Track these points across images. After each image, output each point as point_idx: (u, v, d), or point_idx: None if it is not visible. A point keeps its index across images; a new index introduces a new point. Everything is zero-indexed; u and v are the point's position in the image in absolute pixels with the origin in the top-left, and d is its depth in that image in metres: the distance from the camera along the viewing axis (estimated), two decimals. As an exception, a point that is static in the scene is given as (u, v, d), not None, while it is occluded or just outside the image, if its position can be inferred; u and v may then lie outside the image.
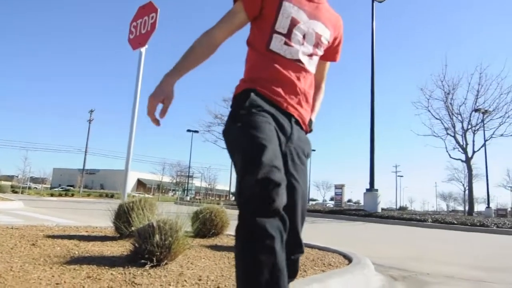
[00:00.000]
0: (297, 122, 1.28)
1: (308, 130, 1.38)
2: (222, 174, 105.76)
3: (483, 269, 3.71)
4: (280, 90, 1.22)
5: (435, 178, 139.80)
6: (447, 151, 25.35)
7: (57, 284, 1.76)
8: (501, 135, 23.91)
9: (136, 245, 2.29)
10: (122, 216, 3.11)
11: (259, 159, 0.98)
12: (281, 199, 0.98)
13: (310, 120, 1.40)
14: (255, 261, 0.95)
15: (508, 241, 7.86)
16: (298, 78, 1.26)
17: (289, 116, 1.25)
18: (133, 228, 2.45)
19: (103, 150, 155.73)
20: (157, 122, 1.16)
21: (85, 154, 42.56)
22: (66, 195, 29.14)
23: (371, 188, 15.45)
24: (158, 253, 2.21)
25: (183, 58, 1.24)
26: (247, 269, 0.98)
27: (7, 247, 2.58)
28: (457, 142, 24.74)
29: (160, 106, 1.16)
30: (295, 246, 1.19)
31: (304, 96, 1.29)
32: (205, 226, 3.89)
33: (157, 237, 2.23)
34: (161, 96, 1.14)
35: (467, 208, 28.26)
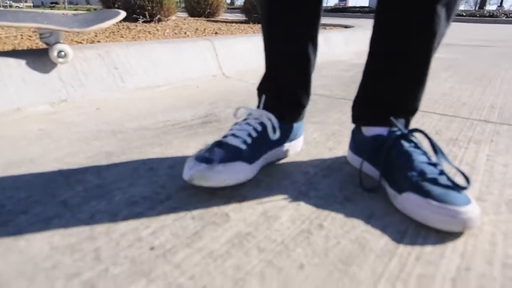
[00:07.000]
0: None
1: None
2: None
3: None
4: None
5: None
6: None
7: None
8: None
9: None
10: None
11: None
12: None
13: None
14: None
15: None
16: None
17: None
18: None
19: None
20: None
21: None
22: (53, 9, 27.45)
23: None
24: (150, 8, 2.12)
25: None
26: None
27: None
28: None
29: None
30: None
31: None
32: (199, 5, 3.69)
33: (144, -10, 2.09)
34: None
35: (477, 7, 26.68)
